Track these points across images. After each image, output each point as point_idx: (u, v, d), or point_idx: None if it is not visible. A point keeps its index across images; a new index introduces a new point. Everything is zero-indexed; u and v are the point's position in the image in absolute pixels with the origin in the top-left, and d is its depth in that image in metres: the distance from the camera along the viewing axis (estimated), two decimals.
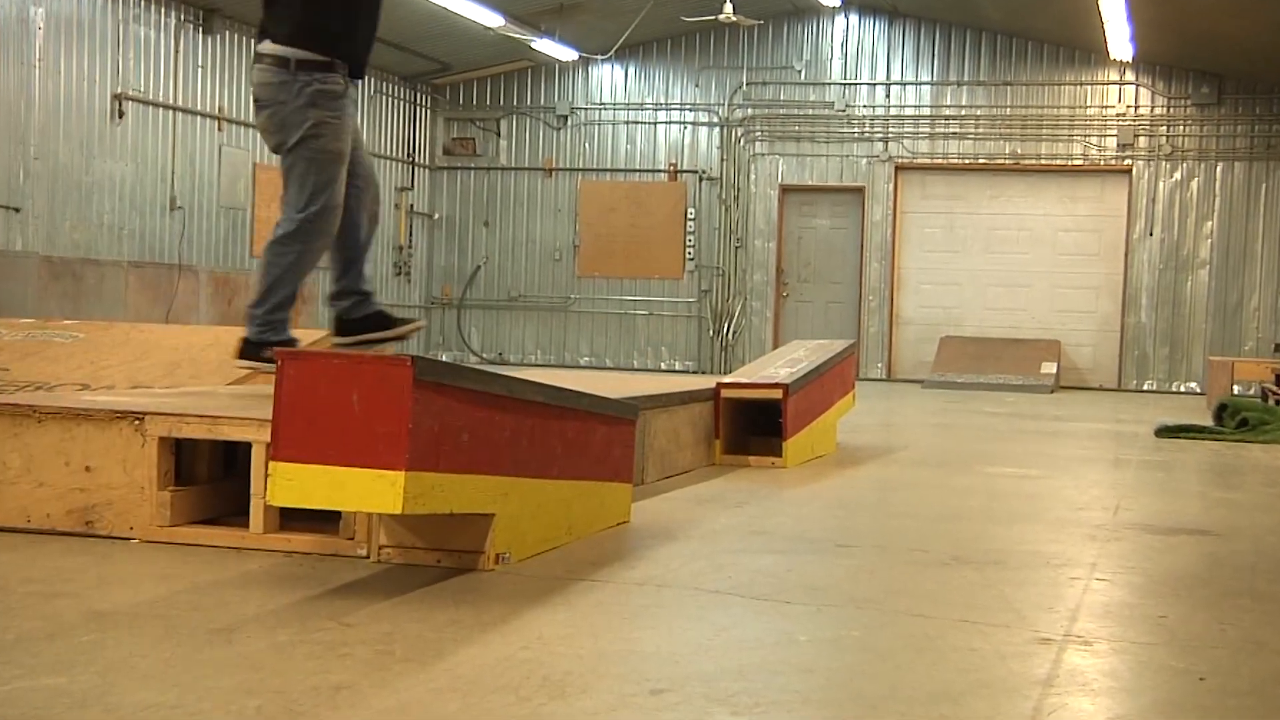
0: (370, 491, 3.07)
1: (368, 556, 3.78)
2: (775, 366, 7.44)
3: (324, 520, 3.83)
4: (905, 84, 18.05)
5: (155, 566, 3.63)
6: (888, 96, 18.12)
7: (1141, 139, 17.24)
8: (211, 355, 6.28)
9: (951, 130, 17.85)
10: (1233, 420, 9.97)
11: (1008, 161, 17.68)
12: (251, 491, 3.84)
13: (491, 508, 3.57)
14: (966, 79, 17.83)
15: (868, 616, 3.37)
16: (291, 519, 3.88)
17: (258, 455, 3.78)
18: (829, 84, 18.19)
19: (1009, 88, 17.63)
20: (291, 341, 4.74)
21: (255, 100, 4.69)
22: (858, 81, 18.18)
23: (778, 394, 6.64)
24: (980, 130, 17.74)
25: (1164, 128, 17.20)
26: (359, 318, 4.94)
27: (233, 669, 2.66)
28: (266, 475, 3.22)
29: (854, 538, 4.66)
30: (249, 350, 4.82)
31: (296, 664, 2.70)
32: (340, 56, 4.58)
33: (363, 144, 4.93)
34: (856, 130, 18.13)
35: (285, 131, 4.61)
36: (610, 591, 3.53)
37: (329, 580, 3.51)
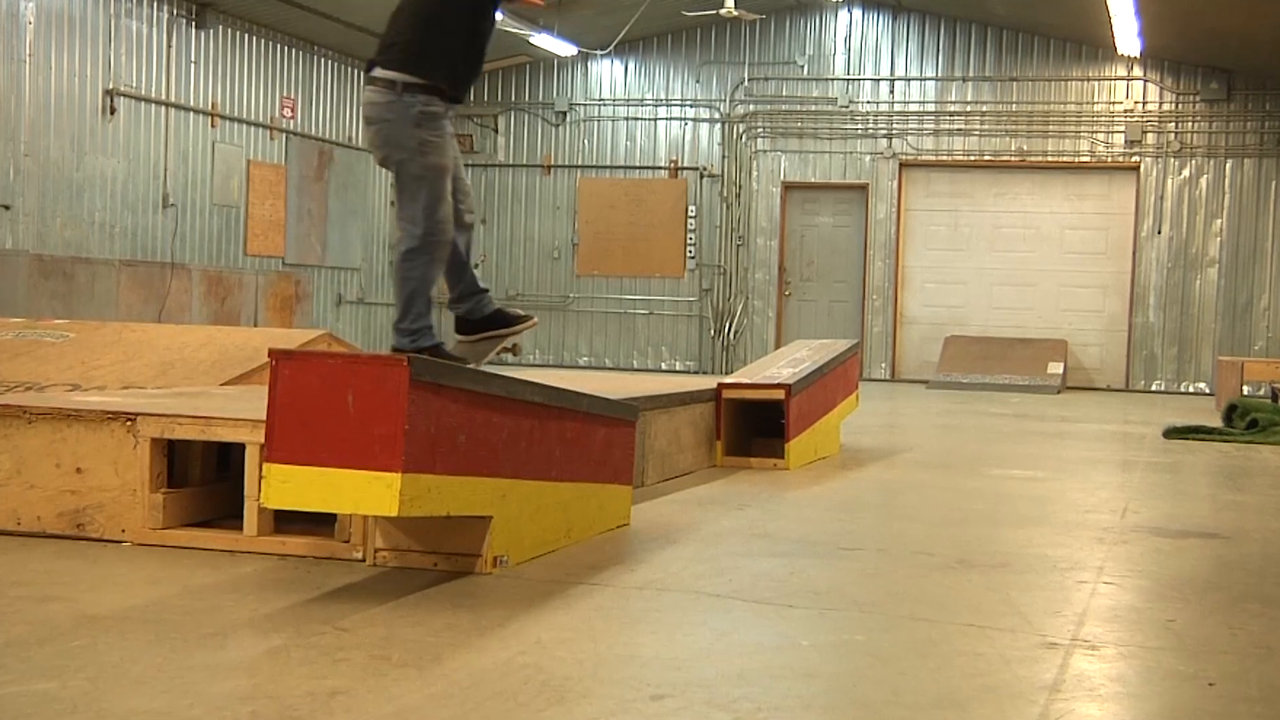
0: (366, 494, 3.07)
1: (363, 560, 3.78)
2: (777, 367, 7.44)
3: (319, 523, 3.83)
4: (909, 79, 18.05)
5: (147, 570, 3.63)
6: (892, 92, 18.12)
7: (1150, 135, 17.24)
8: (204, 355, 6.29)
9: (956, 126, 17.85)
10: (1242, 421, 9.97)
11: (1013, 158, 17.67)
12: (245, 494, 3.84)
13: (489, 510, 3.57)
14: (972, 74, 17.82)
15: (871, 620, 3.37)
16: (286, 521, 3.88)
17: (251, 457, 3.79)
18: (832, 79, 18.18)
19: (1015, 83, 17.63)
20: (439, 346, 5.12)
21: (365, 119, 5.17)
22: (861, 77, 18.18)
23: (780, 395, 6.64)
24: (986, 126, 17.74)
25: (1172, 124, 17.20)
26: (481, 317, 5.39)
27: (226, 674, 2.66)
28: (260, 477, 3.22)
29: (857, 541, 4.66)
30: None
31: (291, 669, 2.70)
32: (442, 83, 5.05)
33: (459, 156, 5.43)
34: (860, 127, 18.13)
35: (391, 147, 5.07)
36: (610, 595, 3.54)
37: (324, 584, 3.51)
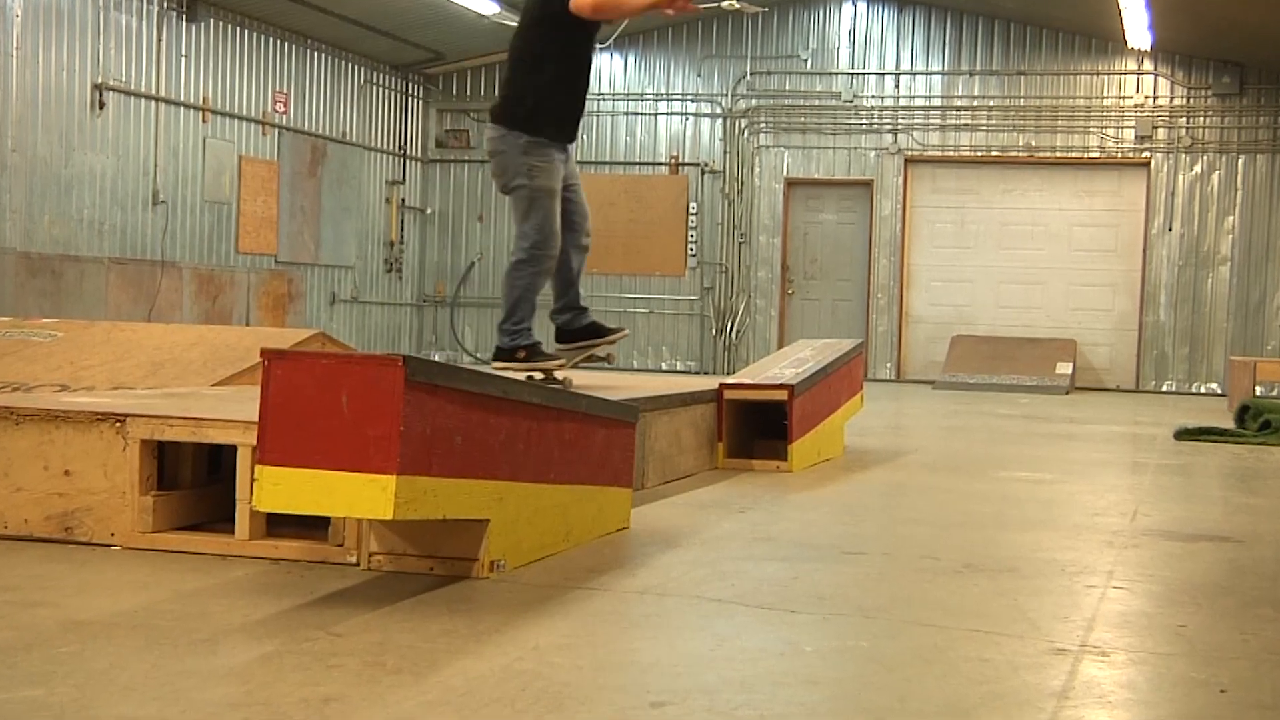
0: (360, 496, 3.07)
1: (358, 564, 3.77)
2: (780, 367, 7.44)
3: (312, 526, 3.83)
4: (915, 74, 18.05)
5: (137, 574, 3.63)
6: (897, 87, 18.12)
7: (1160, 130, 17.24)
8: (195, 355, 6.29)
9: (963, 122, 17.86)
10: (1255, 422, 9.97)
11: (1021, 154, 17.68)
12: (237, 496, 3.84)
13: (486, 513, 3.57)
14: (979, 68, 17.83)
15: (876, 626, 3.37)
16: (279, 525, 3.88)
17: (243, 459, 3.78)
18: (836, 74, 18.19)
19: (1023, 77, 17.63)
20: (536, 344, 6.10)
21: (488, 153, 6.18)
22: (866, 71, 18.18)
23: (783, 395, 6.64)
24: (993, 122, 17.75)
25: (1184, 119, 17.21)
26: (578, 328, 6.34)
27: (217, 681, 2.66)
28: (253, 479, 3.22)
29: (862, 544, 4.66)
30: (503, 355, 6.15)
31: (284, 675, 2.70)
32: (543, 122, 5.99)
33: (579, 186, 6.31)
34: (865, 122, 18.13)
35: (506, 175, 6.03)
36: (609, 600, 3.53)
37: (317, 588, 3.51)
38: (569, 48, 6.06)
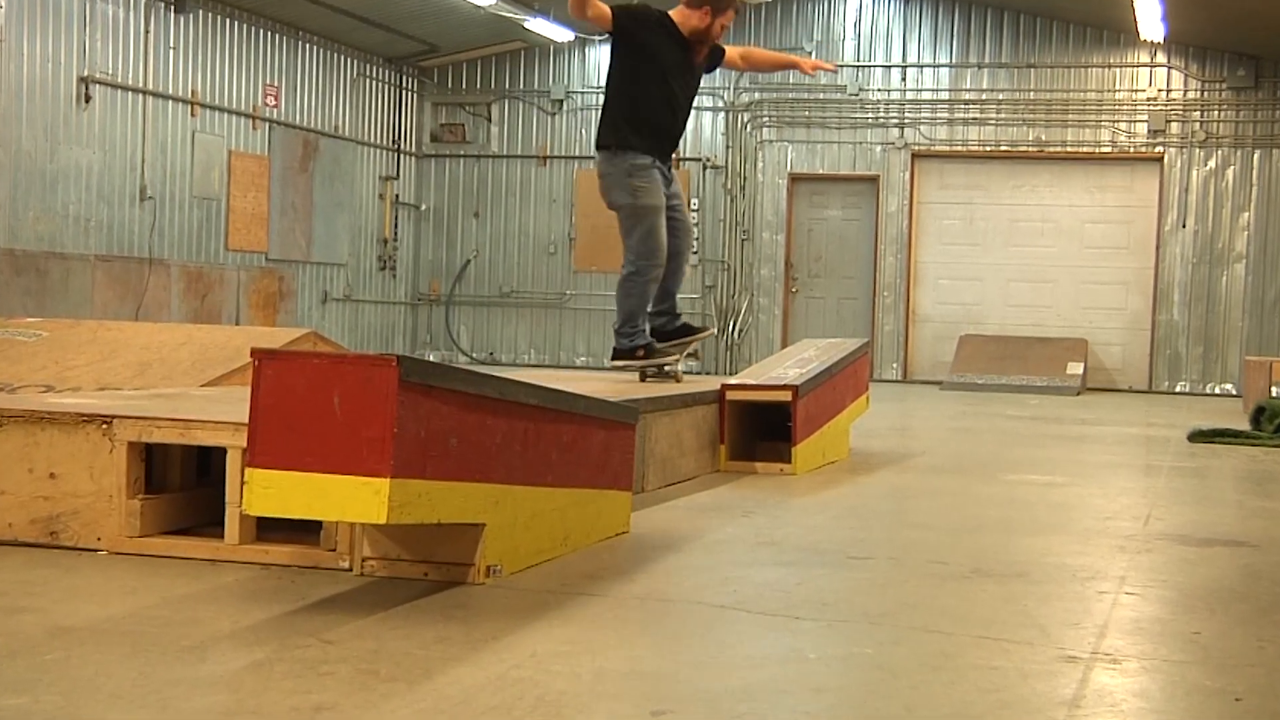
0: (353, 500, 3.07)
1: (350, 569, 3.77)
2: (784, 367, 7.44)
3: (304, 530, 3.83)
4: (922, 66, 18.06)
5: (124, 579, 3.63)
6: (904, 80, 18.12)
7: (1174, 124, 17.24)
8: (184, 355, 6.29)
9: (971, 116, 17.86)
10: (1271, 424, 9.97)
11: (1031, 149, 17.69)
12: (226, 500, 3.84)
13: (482, 517, 3.57)
14: (987, 61, 17.83)
15: (882, 633, 3.37)
16: (269, 529, 3.88)
17: (233, 461, 3.78)
18: (841, 66, 18.19)
19: (1032, 70, 17.64)
20: (651, 344, 6.86)
21: (598, 175, 6.98)
22: (872, 64, 18.19)
23: (786, 396, 6.64)
24: (1002, 116, 17.75)
25: (1198, 112, 17.21)
26: (672, 330, 7.04)
27: (206, 689, 2.66)
28: (243, 482, 3.22)
29: (867, 549, 4.66)
30: (622, 354, 6.93)
31: (274, 684, 2.70)
32: (640, 143, 6.77)
33: (683, 204, 7.11)
34: (870, 116, 18.14)
35: (612, 195, 6.80)
36: (609, 606, 3.53)
37: (309, 594, 3.50)
38: (637, 68, 6.85)
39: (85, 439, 3.90)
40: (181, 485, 4.13)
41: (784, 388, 6.68)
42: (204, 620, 3.22)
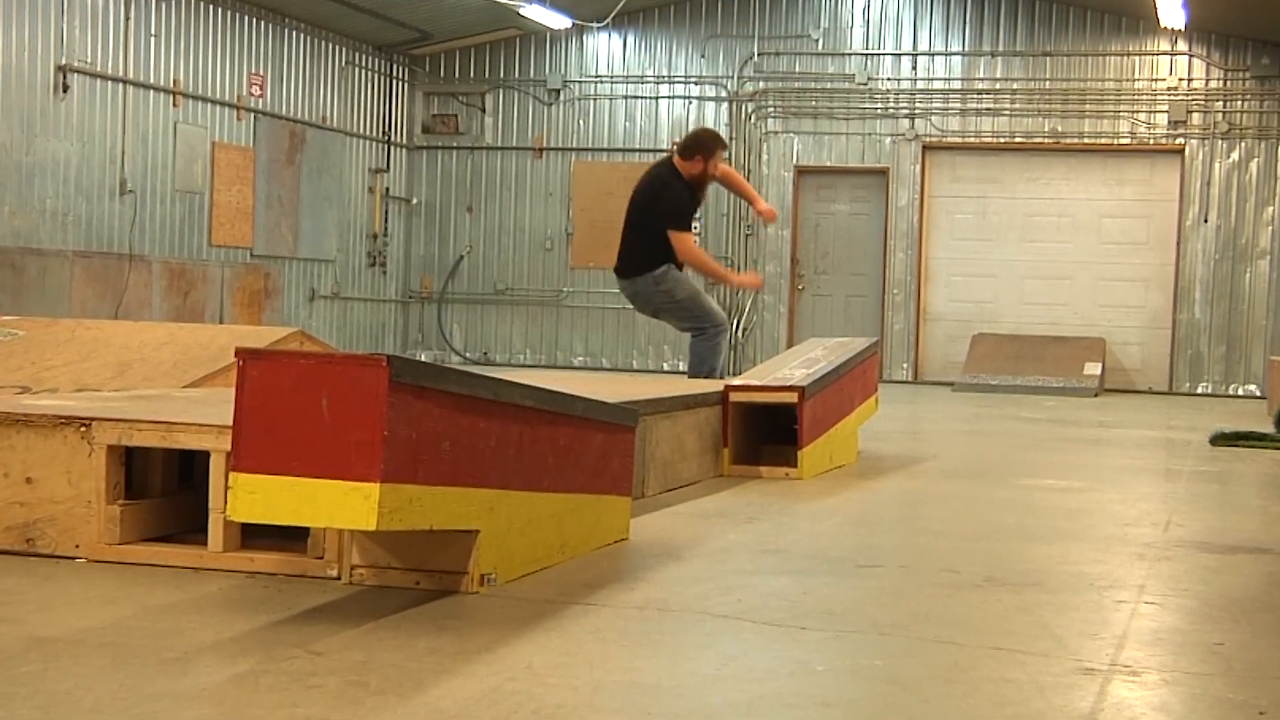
0: (342, 505, 3.06)
1: (339, 577, 3.75)
2: (790, 367, 7.44)
3: (290, 538, 3.83)
4: (934, 54, 18.06)
5: (103, 588, 3.62)
6: (914, 69, 18.13)
7: (1195, 115, 17.25)
8: (166, 355, 6.29)
9: (985, 106, 17.87)
10: None
11: (1046, 140, 17.69)
12: (210, 505, 3.84)
13: (476, 524, 3.57)
14: (1001, 49, 17.84)
15: (892, 644, 3.36)
16: (255, 536, 3.88)
17: (216, 466, 3.78)
18: (849, 54, 18.19)
19: (1048, 59, 17.64)
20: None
21: (628, 298, 9.16)
22: (881, 52, 18.19)
23: (793, 398, 6.64)
24: (1016, 106, 17.75)
25: (1220, 103, 17.21)
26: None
27: (189, 702, 2.65)
28: (227, 488, 3.22)
29: (877, 557, 4.67)
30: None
31: (260, 697, 2.69)
32: (658, 264, 8.71)
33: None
34: (880, 106, 18.14)
35: (650, 305, 8.93)
36: (607, 616, 3.52)
37: (296, 604, 3.50)
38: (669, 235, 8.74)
39: (63, 442, 3.90)
40: (163, 490, 4.13)
41: (789, 389, 6.68)
42: (187, 631, 3.21)
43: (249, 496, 3.10)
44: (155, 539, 4.00)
